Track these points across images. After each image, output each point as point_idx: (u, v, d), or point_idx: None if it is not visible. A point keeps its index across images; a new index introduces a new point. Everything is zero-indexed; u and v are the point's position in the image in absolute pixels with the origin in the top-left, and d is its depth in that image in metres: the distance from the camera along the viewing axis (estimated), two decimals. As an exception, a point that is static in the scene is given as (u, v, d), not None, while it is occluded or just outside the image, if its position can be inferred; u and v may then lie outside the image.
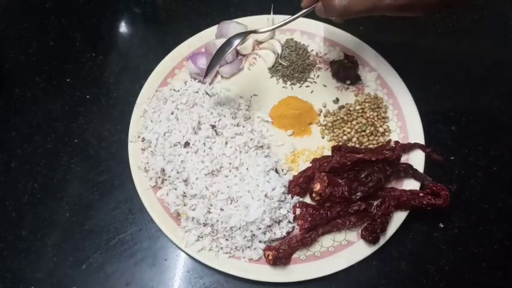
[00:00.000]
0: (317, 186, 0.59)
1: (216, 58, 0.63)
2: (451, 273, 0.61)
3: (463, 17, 0.84)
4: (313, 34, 0.79)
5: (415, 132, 0.68)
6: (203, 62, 0.72)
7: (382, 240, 0.60)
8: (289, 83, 0.75)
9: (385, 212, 0.60)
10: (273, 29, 0.63)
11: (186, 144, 0.65)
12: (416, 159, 0.65)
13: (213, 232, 0.60)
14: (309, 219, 0.60)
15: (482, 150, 0.70)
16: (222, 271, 0.58)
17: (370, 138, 0.69)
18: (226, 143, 0.66)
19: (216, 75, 0.76)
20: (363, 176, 0.62)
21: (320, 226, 0.61)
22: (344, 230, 0.62)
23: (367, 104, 0.71)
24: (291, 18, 0.60)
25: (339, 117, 0.70)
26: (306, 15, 0.78)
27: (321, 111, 0.73)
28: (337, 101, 0.73)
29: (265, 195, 0.60)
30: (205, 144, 0.65)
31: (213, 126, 0.66)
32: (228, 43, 0.63)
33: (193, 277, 0.61)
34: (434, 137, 0.70)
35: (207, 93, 0.70)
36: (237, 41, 0.62)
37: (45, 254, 0.62)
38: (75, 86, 0.76)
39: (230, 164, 0.64)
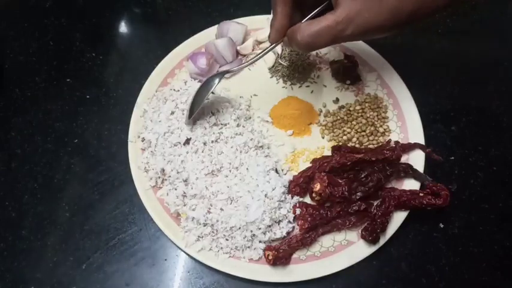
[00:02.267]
0: (317, 186, 0.59)
1: (195, 101, 0.63)
2: (451, 273, 0.61)
3: (463, 17, 0.84)
4: (313, 34, 0.78)
5: (415, 132, 0.68)
6: (203, 62, 0.72)
7: (382, 240, 0.60)
8: (289, 83, 0.75)
9: (385, 212, 0.60)
10: (247, 65, 0.63)
11: (187, 141, 0.65)
12: (416, 159, 0.65)
13: (213, 232, 0.60)
14: (309, 219, 0.60)
15: (482, 150, 0.70)
16: (222, 271, 0.58)
17: (370, 138, 0.69)
18: (226, 143, 0.66)
19: (216, 75, 0.76)
20: (363, 176, 0.62)
21: (320, 226, 0.61)
22: (344, 230, 0.62)
23: (367, 104, 0.71)
24: (260, 54, 0.60)
25: (339, 117, 0.70)
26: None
27: (321, 111, 0.73)
28: (337, 101, 0.73)
29: (265, 195, 0.60)
30: (206, 144, 0.65)
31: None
32: (206, 84, 0.63)
33: (193, 277, 0.61)
34: (434, 137, 0.70)
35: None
36: (216, 81, 0.62)
37: (45, 254, 0.62)
38: (75, 86, 0.77)
39: (230, 164, 0.64)
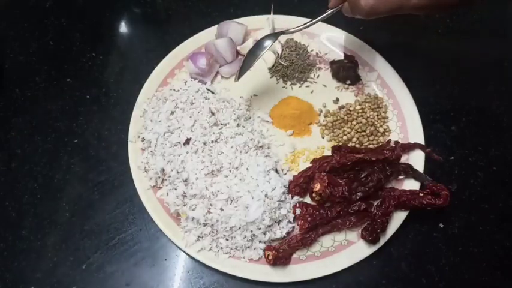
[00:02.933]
0: (317, 186, 0.59)
1: (248, 60, 0.64)
2: (451, 273, 0.61)
3: (463, 17, 0.83)
4: (313, 34, 0.79)
5: (415, 132, 0.68)
6: (203, 62, 0.72)
7: (382, 240, 0.60)
8: (289, 83, 0.75)
9: (385, 212, 0.60)
10: (302, 29, 0.64)
11: (187, 141, 0.65)
12: (416, 159, 0.65)
13: (213, 232, 0.60)
14: (309, 219, 0.60)
15: (482, 150, 0.70)
16: (222, 271, 0.58)
17: (370, 138, 0.69)
18: (226, 143, 0.66)
19: (216, 75, 0.76)
20: (363, 176, 0.62)
21: (320, 226, 0.61)
22: (344, 230, 0.62)
23: (367, 104, 0.71)
24: (319, 18, 0.61)
25: (339, 117, 0.70)
26: (306, 15, 0.79)
27: (321, 111, 0.73)
28: (337, 101, 0.73)
29: (265, 195, 0.60)
30: (206, 144, 0.65)
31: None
32: (258, 45, 0.64)
33: (193, 277, 0.61)
34: (434, 137, 0.70)
35: (209, 91, 0.70)
36: (268, 42, 0.64)
37: (45, 254, 0.62)
38: (75, 86, 0.76)
39: (230, 164, 0.64)
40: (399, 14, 0.53)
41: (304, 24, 0.63)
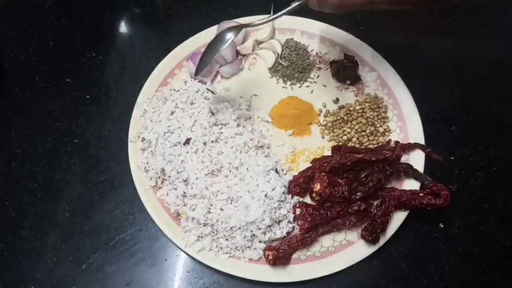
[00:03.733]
0: (317, 186, 0.59)
1: (207, 54, 0.61)
2: (451, 273, 0.61)
3: (463, 17, 0.83)
4: (313, 34, 0.79)
5: (415, 132, 0.68)
6: (203, 62, 0.72)
7: (382, 240, 0.60)
8: (289, 83, 0.75)
9: (385, 212, 0.60)
10: (267, 21, 0.61)
11: (187, 141, 0.65)
12: (416, 159, 0.65)
13: (213, 232, 0.60)
14: (309, 219, 0.60)
15: (482, 150, 0.70)
16: (222, 271, 0.58)
17: (370, 138, 0.69)
18: (226, 143, 0.66)
19: (216, 75, 0.76)
20: (363, 176, 0.62)
21: (320, 226, 0.61)
22: (344, 230, 0.62)
23: (367, 104, 0.71)
24: (284, 11, 0.58)
25: (339, 117, 0.70)
26: (306, 14, 0.79)
27: (321, 111, 0.73)
28: (337, 101, 0.73)
29: (265, 195, 0.60)
30: (206, 144, 0.65)
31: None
32: (219, 38, 0.61)
33: (193, 277, 0.61)
34: (434, 137, 0.70)
35: (209, 91, 0.70)
36: (229, 35, 0.61)
37: (45, 254, 0.62)
38: (75, 86, 0.77)
39: (230, 164, 0.64)
40: (368, 9, 0.51)
41: (268, 17, 0.60)
